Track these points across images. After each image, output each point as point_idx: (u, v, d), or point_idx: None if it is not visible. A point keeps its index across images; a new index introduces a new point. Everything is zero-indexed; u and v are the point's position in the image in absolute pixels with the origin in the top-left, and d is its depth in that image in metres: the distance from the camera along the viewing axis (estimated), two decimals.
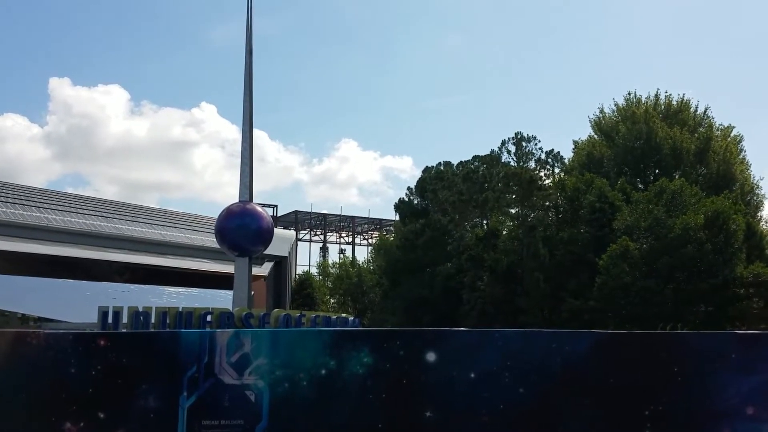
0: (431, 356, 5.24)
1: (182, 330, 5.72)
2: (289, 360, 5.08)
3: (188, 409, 4.90)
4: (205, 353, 5.02)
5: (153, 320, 13.11)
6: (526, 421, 5.17)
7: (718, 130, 46.25)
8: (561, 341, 5.31)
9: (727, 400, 5.19)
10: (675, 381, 5.22)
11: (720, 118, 75.56)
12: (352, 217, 78.22)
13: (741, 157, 45.74)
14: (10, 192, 33.49)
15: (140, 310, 13.14)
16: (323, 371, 5.08)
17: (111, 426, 4.89)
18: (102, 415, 4.90)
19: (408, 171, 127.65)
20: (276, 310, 18.16)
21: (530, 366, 5.24)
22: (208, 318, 13.17)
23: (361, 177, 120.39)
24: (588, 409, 5.22)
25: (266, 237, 17.79)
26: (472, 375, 5.20)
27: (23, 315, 19.17)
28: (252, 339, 5.11)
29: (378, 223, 76.37)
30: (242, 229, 17.16)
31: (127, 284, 26.97)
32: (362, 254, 73.30)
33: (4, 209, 29.67)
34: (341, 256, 66.49)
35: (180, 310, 13.37)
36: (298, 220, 74.11)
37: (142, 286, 26.38)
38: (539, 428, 5.19)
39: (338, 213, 78.19)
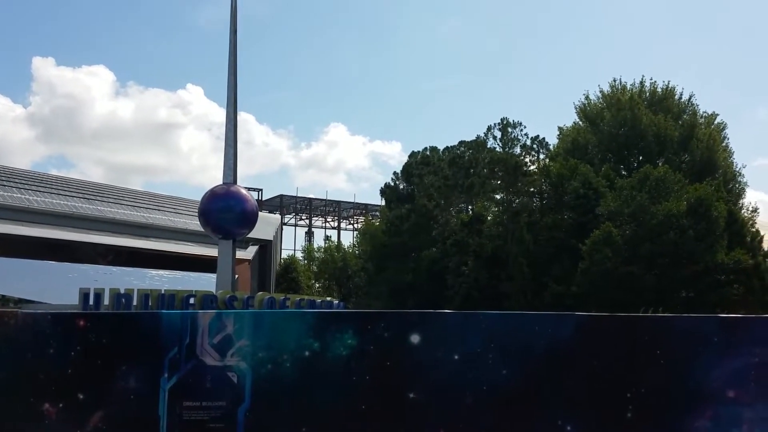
0: (415, 338, 5.22)
1: (163, 311, 5.66)
2: (272, 341, 5.03)
3: (169, 391, 4.84)
4: (187, 334, 4.96)
5: (135, 302, 13.01)
6: (510, 402, 5.18)
7: (702, 117, 46.60)
8: (544, 324, 5.31)
9: (709, 383, 5.22)
10: (657, 364, 5.24)
11: (704, 105, 76.22)
12: (338, 202, 78.12)
13: (724, 144, 46.17)
14: None
15: (122, 292, 13.03)
16: (307, 353, 5.04)
17: (90, 407, 4.82)
18: (81, 396, 4.83)
19: (397, 157, 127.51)
20: (260, 293, 18.12)
21: (514, 348, 5.24)
22: (191, 300, 13.10)
23: (350, 162, 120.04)
24: (570, 391, 5.23)
25: (251, 219, 17.70)
26: (456, 357, 5.19)
27: (3, 296, 18.95)
28: (234, 320, 5.05)
29: (364, 208, 76.33)
30: (226, 212, 17.06)
31: (109, 266, 26.72)
32: (348, 239, 73.30)
33: None
34: (327, 242, 66.42)
35: (162, 292, 13.27)
36: (283, 205, 73.85)
37: (125, 268, 26.17)
38: (522, 409, 5.20)
39: (324, 197, 78.06)
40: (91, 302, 12.80)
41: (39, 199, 31.25)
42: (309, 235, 76.08)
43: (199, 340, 4.95)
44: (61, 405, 4.87)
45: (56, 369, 4.90)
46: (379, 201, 57.08)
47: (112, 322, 5.12)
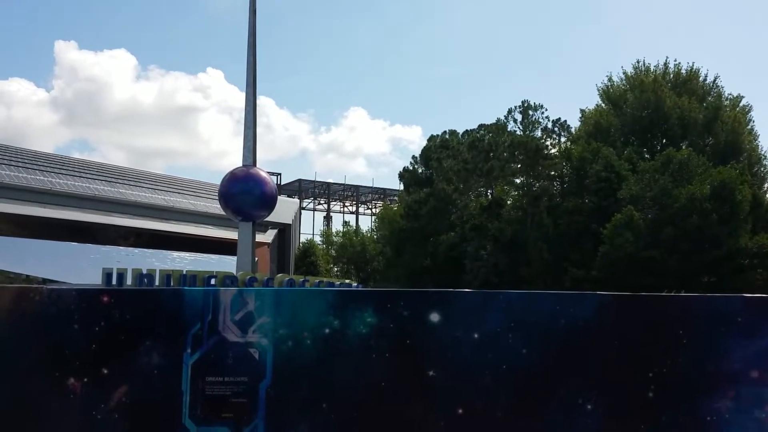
0: (435, 317, 5.21)
1: (186, 288, 5.73)
2: (292, 319, 5.05)
3: (192, 366, 4.89)
4: (209, 311, 5.00)
5: (157, 282, 13.16)
6: (529, 382, 5.16)
7: (727, 99, 45.79)
8: (565, 303, 5.26)
9: (732, 363, 5.15)
10: (680, 344, 5.17)
11: (729, 87, 74.86)
12: (356, 186, 78.15)
13: (749, 127, 45.37)
14: (14, 156, 33.46)
15: (144, 272, 13.19)
16: (327, 330, 5.05)
17: (114, 382, 4.89)
18: (105, 371, 4.88)
19: (417, 141, 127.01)
20: (280, 275, 18.28)
21: (534, 328, 5.20)
22: (212, 281, 13.23)
23: (369, 147, 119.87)
24: (591, 370, 5.20)
25: (270, 202, 17.80)
26: (476, 336, 5.17)
27: (28, 276, 19.30)
28: (256, 297, 5.08)
29: (382, 193, 76.28)
30: (246, 194, 17.18)
31: (131, 248, 27.08)
32: (366, 223, 73.36)
33: (8, 172, 29.69)
34: (345, 226, 66.54)
35: (184, 272, 13.42)
36: (301, 189, 74.03)
37: (147, 250, 26.49)
38: (542, 389, 5.19)
39: (342, 182, 78.12)
40: (113, 282, 12.99)
41: (61, 181, 31.68)
42: (327, 219, 76.32)
43: (221, 317, 4.99)
44: (85, 380, 4.94)
45: (81, 344, 4.95)
46: (398, 186, 57.03)
47: (135, 299, 5.17)
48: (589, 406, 5.08)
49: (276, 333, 4.95)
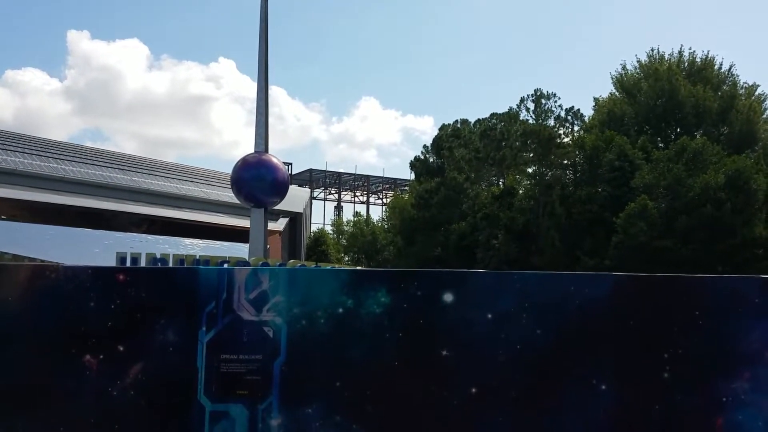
0: (448, 297, 5.20)
1: (201, 267, 5.73)
2: (306, 298, 5.07)
3: (207, 344, 4.93)
4: (224, 290, 5.03)
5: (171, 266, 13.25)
6: (543, 361, 5.15)
7: (742, 88, 45.23)
8: (580, 283, 5.23)
9: (748, 345, 5.11)
10: (696, 325, 5.13)
11: (744, 76, 73.95)
12: (367, 176, 78.08)
13: (765, 116, 44.83)
14: (28, 144, 33.72)
15: (158, 256, 13.27)
16: (340, 310, 5.07)
17: (130, 359, 4.94)
18: (121, 348, 4.93)
19: (429, 132, 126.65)
20: (292, 260, 18.33)
21: (548, 308, 5.17)
22: (225, 266, 13.29)
23: (381, 137, 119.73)
24: (606, 350, 5.17)
25: (282, 188, 17.83)
26: (490, 316, 5.15)
27: (43, 262, 19.47)
28: (270, 277, 5.09)
29: (393, 183, 76.17)
30: (258, 180, 17.22)
31: (144, 235, 27.27)
32: (377, 213, 73.30)
33: (23, 160, 29.94)
34: (356, 216, 66.51)
35: (197, 257, 13.49)
36: (312, 179, 74.07)
37: (160, 237, 26.67)
38: (556, 369, 5.17)
39: (353, 172, 78.05)
40: (127, 266, 13.08)
41: (75, 169, 31.90)
42: (338, 209, 76.37)
43: (235, 296, 5.02)
44: (101, 356, 4.98)
45: (97, 322, 4.99)
46: (409, 176, 56.93)
47: (150, 278, 5.20)
48: (603, 387, 5.06)
49: (290, 312, 4.97)
